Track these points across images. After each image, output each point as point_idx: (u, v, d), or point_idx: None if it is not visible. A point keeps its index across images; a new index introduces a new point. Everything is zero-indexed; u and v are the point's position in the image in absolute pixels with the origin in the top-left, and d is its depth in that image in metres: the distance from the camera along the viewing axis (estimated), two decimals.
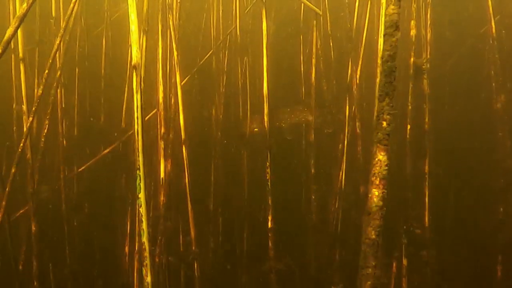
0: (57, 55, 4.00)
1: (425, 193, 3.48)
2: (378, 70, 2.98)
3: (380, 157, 1.36)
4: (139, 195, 1.82)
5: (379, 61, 2.97)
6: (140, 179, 1.81)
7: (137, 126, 1.79)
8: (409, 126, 3.30)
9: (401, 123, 3.33)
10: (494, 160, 4.33)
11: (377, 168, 1.36)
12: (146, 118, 4.25)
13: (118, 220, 4.26)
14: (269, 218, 3.22)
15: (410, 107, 3.31)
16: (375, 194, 1.35)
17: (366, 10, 4.15)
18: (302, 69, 5.40)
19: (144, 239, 1.84)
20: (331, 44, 5.03)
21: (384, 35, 1.38)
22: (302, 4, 5.59)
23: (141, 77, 1.79)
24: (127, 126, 5.01)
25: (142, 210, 1.82)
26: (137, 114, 1.78)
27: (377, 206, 1.35)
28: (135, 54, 1.77)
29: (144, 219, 1.83)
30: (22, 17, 1.98)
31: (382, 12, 2.96)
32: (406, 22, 3.29)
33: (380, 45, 2.95)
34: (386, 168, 1.37)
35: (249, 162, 4.29)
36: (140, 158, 1.81)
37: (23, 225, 3.87)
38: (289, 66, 5.46)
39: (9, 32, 1.91)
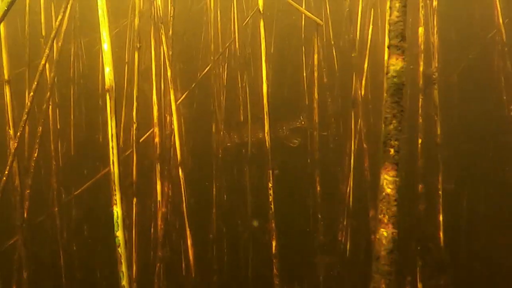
0: (47, 75, 3.83)
1: (439, 210, 3.25)
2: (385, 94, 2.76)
3: (389, 191, 1.15)
4: (117, 234, 1.62)
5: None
6: (117, 216, 1.61)
7: (113, 157, 1.59)
8: (420, 140, 3.07)
9: (412, 137, 3.11)
10: (510, 171, 4.11)
11: (385, 204, 1.15)
12: (142, 139, 4.07)
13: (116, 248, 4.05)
14: (273, 243, 2.99)
15: (421, 120, 3.09)
16: (384, 235, 1.14)
17: (369, 18, 3.96)
18: (305, 81, 5.21)
19: (124, 282, 1.63)
20: (335, 55, 4.84)
21: (388, 47, 1.18)
22: (303, 15, 5.40)
23: (115, 101, 1.59)
24: (125, 145, 4.82)
25: (121, 250, 1.62)
26: (112, 143, 1.58)
27: (386, 250, 1.13)
28: (108, 76, 1.57)
29: (123, 260, 1.62)
30: None
31: (387, 19, 2.75)
32: (414, 30, 3.08)
33: (387, 54, 2.74)
34: (396, 203, 1.15)
35: (252, 179, 4.09)
36: (117, 192, 1.60)
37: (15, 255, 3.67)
38: (292, 79, 5.27)
39: None
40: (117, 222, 1.60)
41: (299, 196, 4.18)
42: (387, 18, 2.81)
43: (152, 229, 3.71)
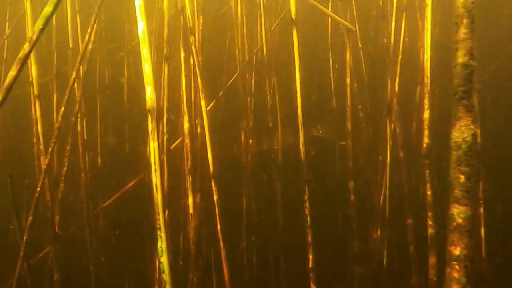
0: (75, 87, 3.80)
1: (480, 219, 3.15)
2: (425, 100, 2.67)
3: (460, 221, 1.07)
4: (161, 259, 1.56)
5: (426, 80, 2.67)
6: (161, 241, 1.55)
7: (156, 179, 1.53)
8: None
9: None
10: None
11: (456, 235, 1.07)
12: (173, 146, 4.03)
13: (147, 261, 4.00)
14: (310, 257, 2.92)
15: None
16: (456, 268, 1.06)
17: (400, 23, 3.87)
18: (332, 87, 5.13)
19: None
20: (362, 60, 4.75)
21: (455, 66, 1.10)
22: (330, 19, 5.32)
23: (156, 121, 1.53)
24: None
25: (166, 276, 1.56)
26: (155, 166, 1.52)
27: (458, 284, 1.06)
28: (150, 97, 1.51)
29: (168, 286, 1.56)
30: (25, 59, 1.75)
31: (427, 26, 2.66)
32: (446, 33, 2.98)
33: (427, 61, 2.65)
34: (468, 234, 1.07)
35: (284, 190, 4.02)
36: (161, 216, 1.54)
37: (46, 268, 3.63)
38: (319, 85, 5.19)
39: (10, 76, 1.67)
40: (161, 247, 1.54)
41: (332, 207, 4.09)
42: (427, 23, 2.72)
43: (182, 241, 3.65)
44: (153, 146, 1.54)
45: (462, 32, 1.10)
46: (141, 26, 1.61)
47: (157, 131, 1.55)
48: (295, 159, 3.29)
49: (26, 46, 1.74)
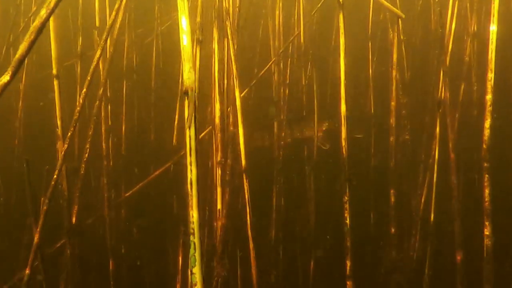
0: (101, 68, 3.58)
1: None
2: (488, 96, 2.37)
3: None
4: (194, 270, 1.30)
5: (490, 74, 2.37)
6: (195, 248, 1.29)
7: (190, 175, 1.28)
8: None
9: None
10: None
11: None
12: (201, 136, 3.80)
13: (169, 254, 3.77)
14: (348, 263, 2.65)
15: None
16: None
17: (453, 10, 3.58)
18: (370, 79, 4.85)
19: None
20: (404, 52, 4.45)
21: None
22: (371, 7, 5.01)
23: (195, 105, 1.28)
24: (179, 144, 4.56)
25: None
26: (190, 158, 1.27)
27: None
28: (188, 75, 1.26)
29: None
30: (41, 27, 1.50)
31: (494, 11, 2.35)
32: None
33: (491, 52, 2.35)
34: None
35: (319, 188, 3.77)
36: (195, 219, 1.29)
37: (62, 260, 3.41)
38: (359, 76, 4.90)
39: (22, 47, 1.43)
40: (194, 256, 1.28)
41: (370, 208, 3.81)
42: (494, 8, 2.42)
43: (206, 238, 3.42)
44: (189, 134, 1.28)
45: None
46: None
47: (195, 117, 1.30)
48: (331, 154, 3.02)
49: (43, 13, 1.49)
